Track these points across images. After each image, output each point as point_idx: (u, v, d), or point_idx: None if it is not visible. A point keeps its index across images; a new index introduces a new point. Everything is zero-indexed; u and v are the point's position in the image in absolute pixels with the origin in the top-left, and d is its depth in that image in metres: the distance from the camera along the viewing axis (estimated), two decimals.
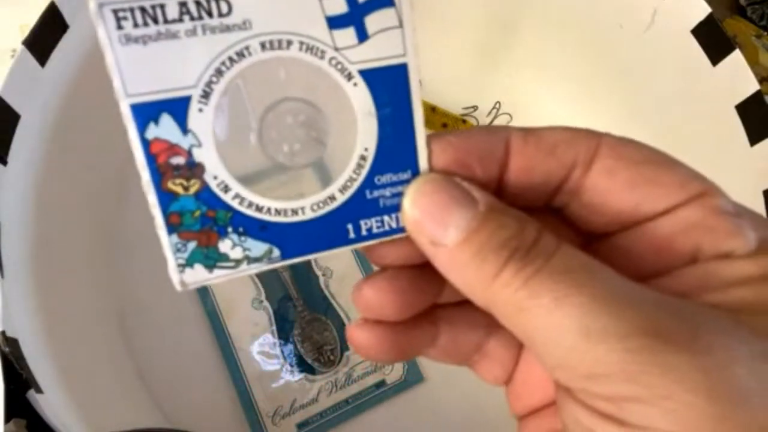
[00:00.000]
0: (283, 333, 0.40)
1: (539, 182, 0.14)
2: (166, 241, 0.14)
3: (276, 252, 0.14)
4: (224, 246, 0.13)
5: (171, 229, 0.13)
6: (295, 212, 0.13)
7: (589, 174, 0.14)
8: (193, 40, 0.12)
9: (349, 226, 0.14)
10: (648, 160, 0.14)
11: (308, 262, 0.41)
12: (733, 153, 0.35)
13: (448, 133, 0.14)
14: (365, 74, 0.13)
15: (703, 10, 0.35)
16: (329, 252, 0.14)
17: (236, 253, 0.13)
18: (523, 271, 0.12)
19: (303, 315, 0.40)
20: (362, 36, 0.13)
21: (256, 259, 0.14)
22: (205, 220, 0.13)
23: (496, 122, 0.48)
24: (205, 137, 0.13)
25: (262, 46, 0.12)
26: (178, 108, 0.12)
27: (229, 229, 0.13)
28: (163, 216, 0.13)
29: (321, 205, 0.14)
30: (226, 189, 0.13)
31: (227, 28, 0.12)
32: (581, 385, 0.12)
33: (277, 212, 0.13)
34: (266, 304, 0.40)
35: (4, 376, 0.24)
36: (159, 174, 0.13)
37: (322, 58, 0.13)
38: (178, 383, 0.38)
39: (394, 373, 0.40)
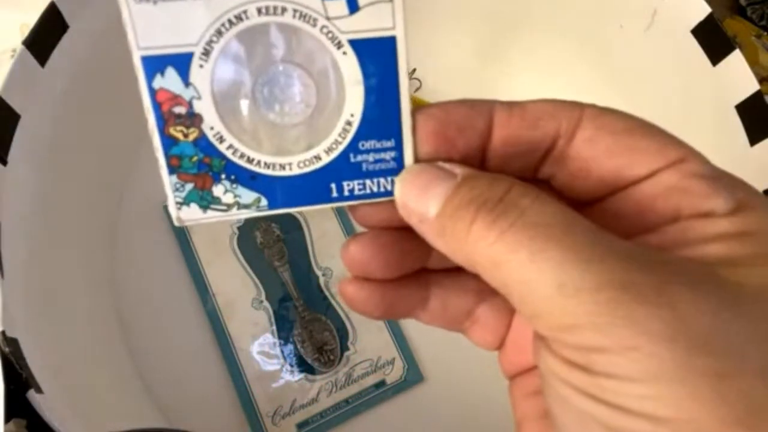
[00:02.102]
0: (283, 333, 0.40)
1: (525, 152, 0.15)
2: (167, 180, 0.15)
3: (264, 201, 0.15)
4: (217, 190, 0.15)
5: (171, 170, 0.15)
6: (282, 167, 0.15)
7: (573, 144, 0.15)
8: (197, 2, 0.13)
9: (333, 186, 0.15)
10: (628, 128, 0.15)
11: (308, 263, 0.41)
12: (733, 153, 0.35)
13: (432, 105, 0.15)
14: (354, 44, 0.14)
15: (703, 10, 0.35)
16: (313, 207, 0.15)
17: (228, 198, 0.15)
18: (496, 224, 0.13)
19: (303, 315, 0.40)
20: (353, 7, 0.13)
21: (246, 206, 0.15)
22: (201, 165, 0.15)
23: None
24: (205, 91, 0.14)
25: (259, 10, 0.13)
26: (182, 62, 0.14)
27: (223, 176, 0.15)
28: (165, 157, 0.14)
29: (307, 163, 0.15)
30: (221, 139, 0.14)
31: None
32: (554, 334, 0.13)
33: (267, 165, 0.15)
34: (266, 304, 0.40)
35: (4, 376, 0.24)
36: (163, 120, 0.14)
37: (314, 25, 0.14)
38: (178, 383, 0.38)
39: (394, 373, 0.40)
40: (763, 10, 0.53)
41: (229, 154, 0.14)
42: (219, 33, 0.14)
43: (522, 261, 0.13)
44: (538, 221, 0.13)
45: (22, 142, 0.29)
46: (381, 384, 0.40)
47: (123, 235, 0.40)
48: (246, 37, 0.14)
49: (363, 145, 0.15)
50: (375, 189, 0.15)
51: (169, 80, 0.14)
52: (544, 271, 0.12)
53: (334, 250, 0.42)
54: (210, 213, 0.15)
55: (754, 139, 0.34)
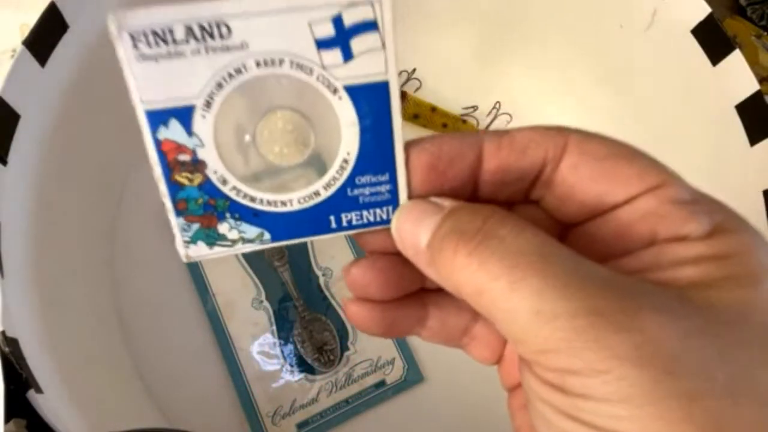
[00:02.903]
0: (283, 333, 0.40)
1: (515, 180, 0.16)
2: (174, 222, 0.16)
3: (267, 235, 0.16)
4: (223, 228, 0.16)
5: (178, 213, 0.15)
6: (284, 203, 0.16)
7: (558, 170, 0.16)
8: (197, 58, 0.14)
9: (332, 218, 0.16)
10: (610, 154, 0.15)
11: (308, 263, 0.41)
12: (733, 153, 0.35)
13: (424, 139, 0.16)
14: (349, 89, 0.15)
15: (703, 10, 0.35)
16: (314, 238, 0.16)
17: (233, 234, 0.16)
18: (476, 253, 0.14)
19: (303, 315, 0.40)
20: (347, 56, 0.14)
21: (250, 240, 0.16)
22: (206, 207, 0.15)
23: (496, 122, 0.48)
24: (207, 139, 0.15)
25: (257, 63, 0.14)
26: (185, 114, 0.15)
27: (227, 215, 0.16)
28: (172, 202, 0.15)
29: (307, 198, 0.16)
30: (225, 182, 0.15)
31: (227, 48, 0.14)
32: (534, 357, 0.14)
33: (268, 203, 0.16)
34: (266, 304, 0.40)
35: (4, 376, 0.24)
36: (168, 168, 0.15)
37: (310, 74, 0.15)
38: (178, 383, 0.38)
39: (394, 373, 0.40)
40: (763, 10, 0.53)
41: (232, 194, 0.15)
42: (219, 85, 0.14)
43: (503, 289, 0.13)
44: (516, 250, 0.13)
45: (22, 142, 0.29)
46: (381, 384, 0.40)
47: (123, 235, 0.40)
48: (246, 87, 0.14)
49: (359, 180, 0.16)
50: (372, 219, 0.16)
51: (173, 131, 0.15)
52: (524, 298, 0.13)
53: (334, 250, 0.42)
54: (216, 249, 0.16)
55: (754, 139, 0.34)
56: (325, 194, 0.16)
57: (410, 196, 0.16)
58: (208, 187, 0.15)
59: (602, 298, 0.13)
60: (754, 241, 0.14)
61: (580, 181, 0.15)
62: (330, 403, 0.39)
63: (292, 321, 0.40)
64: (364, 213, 0.16)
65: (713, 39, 0.35)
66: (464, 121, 0.47)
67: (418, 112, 0.46)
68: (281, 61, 0.14)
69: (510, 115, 0.48)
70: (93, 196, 0.38)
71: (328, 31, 0.14)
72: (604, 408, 0.12)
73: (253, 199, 0.15)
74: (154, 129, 0.15)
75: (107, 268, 0.39)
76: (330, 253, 0.42)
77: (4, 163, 0.28)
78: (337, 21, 0.14)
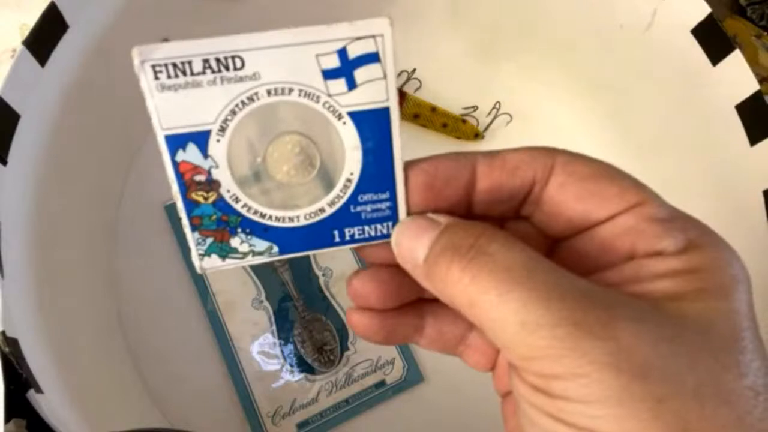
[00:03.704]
0: (283, 333, 0.40)
1: (506, 198, 0.17)
2: (190, 236, 0.17)
3: (275, 248, 0.17)
4: (234, 242, 0.17)
5: (194, 227, 0.17)
6: (291, 219, 0.17)
7: (546, 189, 0.17)
8: (213, 87, 0.15)
9: (335, 232, 0.17)
10: (594, 174, 0.16)
11: (308, 263, 0.41)
12: (733, 153, 0.35)
13: (421, 160, 0.17)
14: (353, 115, 0.16)
15: (703, 10, 0.35)
16: (319, 251, 0.18)
17: (244, 248, 0.17)
18: (468, 268, 0.15)
19: (303, 315, 0.40)
20: (351, 85, 0.16)
21: (260, 253, 0.17)
22: (220, 222, 0.17)
23: (496, 122, 0.48)
24: (221, 160, 0.16)
25: (268, 92, 0.16)
26: (201, 139, 0.16)
27: (239, 230, 0.17)
28: (188, 218, 0.17)
29: (313, 215, 0.17)
30: (237, 200, 0.17)
31: (240, 79, 0.15)
32: (520, 363, 0.15)
33: (277, 219, 0.17)
34: (266, 304, 0.40)
35: (4, 376, 0.24)
36: (185, 187, 0.16)
37: (317, 102, 0.16)
38: (178, 383, 0.38)
39: (394, 373, 0.40)
40: (763, 10, 0.53)
41: (244, 211, 0.17)
42: (233, 112, 0.16)
43: (492, 301, 0.14)
44: (505, 265, 0.15)
45: (22, 142, 0.29)
46: (381, 384, 0.40)
47: (123, 235, 0.40)
48: (257, 114, 0.16)
49: (362, 198, 0.17)
50: (373, 233, 0.18)
51: (190, 154, 0.16)
52: (510, 310, 0.14)
53: (334, 251, 0.42)
54: (228, 261, 0.17)
55: (754, 139, 0.34)
56: (329, 211, 0.17)
57: (409, 213, 0.17)
58: (221, 204, 0.17)
59: (580, 310, 0.14)
60: (724, 255, 0.15)
61: (566, 200, 0.17)
62: (330, 403, 0.39)
63: (292, 321, 0.40)
64: (366, 228, 0.17)
65: (713, 39, 0.35)
66: (464, 121, 0.47)
67: (418, 112, 0.46)
68: (290, 90, 0.16)
69: (510, 115, 0.48)
70: (93, 196, 0.38)
71: (333, 62, 0.16)
72: (583, 408, 0.13)
73: (263, 216, 0.17)
74: (172, 152, 0.16)
75: (107, 268, 0.39)
76: (330, 253, 0.42)
77: (4, 163, 0.28)
78: (342, 53, 0.16)
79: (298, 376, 0.39)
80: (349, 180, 0.17)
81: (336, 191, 0.17)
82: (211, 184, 0.16)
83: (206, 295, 0.39)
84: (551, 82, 0.48)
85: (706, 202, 0.38)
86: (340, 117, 0.16)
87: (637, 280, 0.15)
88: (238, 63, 0.15)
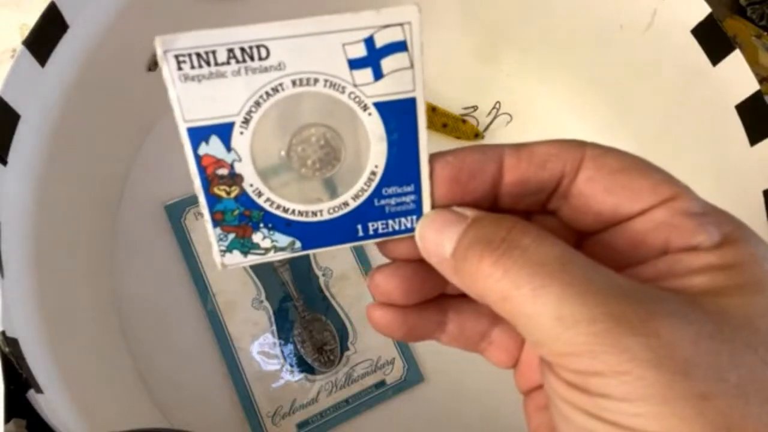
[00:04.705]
0: (283, 333, 0.40)
1: (533, 191, 0.17)
2: (211, 232, 0.16)
3: (298, 244, 0.17)
4: (256, 237, 0.17)
5: (215, 223, 0.16)
6: (314, 214, 0.17)
7: (575, 182, 0.16)
8: (237, 78, 0.15)
9: (359, 227, 0.17)
10: (625, 167, 0.16)
11: (308, 263, 0.41)
12: (733, 153, 0.35)
13: (447, 153, 0.17)
14: (378, 106, 0.16)
15: (703, 10, 0.35)
16: (342, 246, 0.17)
17: (266, 243, 0.17)
18: (500, 262, 0.15)
19: (303, 315, 0.40)
20: (378, 75, 0.15)
21: (282, 248, 0.17)
22: (242, 218, 0.16)
23: (496, 122, 0.48)
24: (245, 154, 0.16)
25: (293, 83, 0.15)
26: (224, 131, 0.15)
27: (261, 225, 0.16)
28: (209, 213, 0.16)
29: (336, 209, 0.17)
30: (260, 194, 0.16)
31: (265, 69, 0.15)
32: (556, 360, 0.14)
33: (300, 213, 0.17)
34: (266, 304, 0.40)
35: (4, 376, 0.24)
36: (207, 181, 0.16)
37: (342, 92, 0.15)
38: (178, 383, 0.38)
39: (394, 373, 0.40)
40: (763, 10, 0.53)
41: (266, 206, 0.16)
42: (257, 104, 0.15)
43: (526, 296, 0.14)
44: (538, 259, 0.14)
45: (22, 142, 0.29)
46: (381, 384, 0.40)
47: (123, 235, 0.40)
48: (282, 105, 0.15)
49: (386, 191, 0.17)
50: (397, 227, 0.17)
51: (213, 147, 0.15)
52: (546, 305, 0.14)
53: (334, 250, 0.42)
54: (250, 257, 0.17)
55: (754, 139, 0.34)
56: (353, 204, 0.17)
57: (433, 206, 0.17)
58: (244, 199, 0.16)
59: (619, 304, 0.13)
60: (759, 250, 0.15)
61: (595, 193, 0.16)
62: (330, 403, 0.39)
63: (292, 321, 0.40)
64: (390, 222, 0.17)
65: (713, 39, 0.35)
66: (464, 121, 0.47)
67: None
68: (315, 80, 0.15)
69: (510, 115, 0.48)
70: (93, 196, 0.38)
71: (360, 51, 0.15)
72: (623, 406, 0.13)
73: (285, 210, 0.16)
74: (195, 145, 0.15)
75: (107, 268, 0.39)
76: (330, 253, 0.42)
77: (4, 163, 0.28)
78: (369, 42, 0.15)
79: (298, 376, 0.39)
80: (373, 173, 0.16)
81: (360, 184, 0.16)
82: (234, 178, 0.16)
83: (206, 295, 0.39)
84: (551, 82, 0.48)
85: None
86: (365, 108, 0.16)
87: (673, 276, 0.15)
88: (263, 52, 0.15)
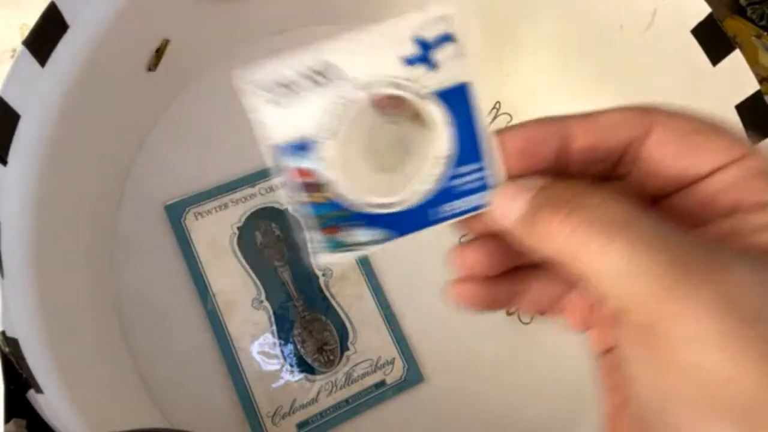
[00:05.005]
0: (283, 333, 0.40)
1: (601, 159, 0.17)
2: (308, 235, 0.18)
3: (386, 235, 0.18)
4: (346, 235, 0.18)
5: (310, 227, 0.18)
6: (393, 205, 0.18)
7: (644, 147, 0.17)
8: (312, 95, 0.17)
9: (440, 208, 0.18)
10: (694, 130, 0.16)
11: (308, 262, 0.41)
12: None
13: (513, 127, 0.18)
14: (440, 94, 0.17)
15: (703, 10, 0.35)
16: (422, 231, 0.18)
17: (355, 239, 0.18)
18: (569, 220, 0.15)
19: (303, 315, 0.40)
20: (432, 66, 0.17)
21: (373, 242, 0.18)
22: (333, 219, 0.18)
23: (496, 122, 0.48)
24: (329, 161, 0.17)
25: (361, 88, 0.17)
26: (307, 144, 0.17)
27: (352, 223, 0.18)
28: (304, 219, 0.18)
29: (415, 197, 0.18)
30: (347, 196, 0.18)
31: (333, 82, 0.17)
32: (624, 314, 0.15)
33: (381, 206, 0.18)
34: (266, 304, 0.40)
35: (4, 376, 0.24)
36: (298, 192, 0.18)
37: (405, 89, 0.17)
38: (178, 383, 0.38)
39: (394, 373, 0.40)
40: (763, 10, 0.53)
41: (353, 206, 0.18)
42: (334, 115, 0.17)
43: (594, 252, 0.15)
44: (606, 218, 0.15)
45: (22, 142, 0.29)
46: (381, 384, 0.40)
47: (123, 235, 0.40)
48: (356, 112, 0.17)
49: (458, 172, 0.18)
50: (473, 204, 0.18)
51: (300, 159, 0.17)
52: (614, 260, 0.14)
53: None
54: (346, 254, 0.18)
55: (754, 140, 0.34)
56: (430, 190, 0.18)
57: (505, 179, 0.18)
58: (333, 202, 0.18)
59: (686, 256, 0.14)
60: None
61: (665, 157, 0.17)
62: (330, 403, 0.39)
63: (292, 321, 0.40)
64: (462, 202, 0.18)
65: (713, 39, 0.35)
66: None
67: None
68: (380, 84, 0.17)
69: (510, 115, 0.48)
70: (93, 196, 0.38)
71: (413, 49, 0.17)
72: (691, 354, 0.14)
73: (369, 205, 0.18)
74: (282, 160, 0.17)
75: (107, 268, 0.39)
76: None
77: (4, 163, 0.28)
78: (419, 39, 0.17)
79: (298, 376, 0.39)
80: (444, 157, 0.18)
81: (431, 170, 0.18)
82: (322, 185, 0.18)
83: (206, 295, 0.39)
84: (551, 82, 0.48)
85: None
86: (428, 98, 0.17)
87: (740, 234, 0.16)
88: (330, 69, 0.17)
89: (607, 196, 0.15)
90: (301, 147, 0.17)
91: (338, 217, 0.18)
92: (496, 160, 0.18)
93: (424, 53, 0.17)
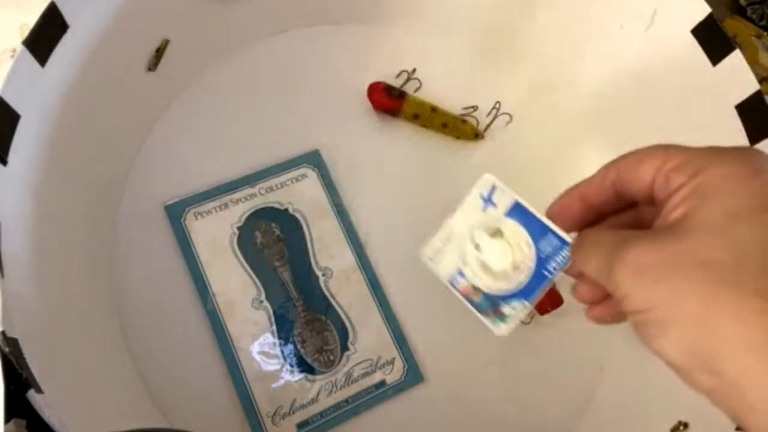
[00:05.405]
0: (283, 333, 0.40)
1: (624, 200, 0.24)
2: (482, 319, 0.29)
3: (525, 302, 0.28)
4: (504, 310, 0.28)
5: (480, 312, 0.29)
6: (519, 283, 0.28)
7: (626, 189, 0.23)
8: (449, 250, 0.30)
9: (543, 272, 0.28)
10: (641, 159, 0.23)
11: (308, 263, 0.41)
12: None
13: (551, 205, 0.27)
14: (507, 213, 0.28)
15: (703, 10, 0.35)
16: (543, 289, 0.28)
17: (509, 311, 0.28)
18: (608, 261, 0.21)
19: (303, 315, 0.40)
20: (488, 205, 0.29)
21: (520, 308, 0.28)
22: (489, 302, 0.29)
23: (496, 122, 0.48)
24: (473, 278, 0.29)
25: (480, 232, 0.29)
26: (459, 275, 0.29)
27: (501, 302, 0.28)
28: (476, 309, 0.29)
29: (527, 274, 0.28)
30: (489, 289, 0.29)
31: (456, 240, 0.30)
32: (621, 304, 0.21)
33: (514, 288, 0.28)
34: (266, 304, 0.40)
35: (4, 376, 0.24)
36: (465, 297, 0.29)
37: (494, 222, 0.29)
38: (178, 383, 0.38)
39: (394, 373, 0.40)
40: (763, 10, 0.53)
41: (495, 293, 0.28)
42: (462, 258, 0.29)
43: (600, 272, 0.22)
44: (600, 245, 0.23)
45: (22, 142, 0.29)
46: (381, 384, 0.40)
47: (123, 235, 0.40)
48: (478, 247, 0.29)
49: (541, 249, 0.28)
50: (560, 262, 0.27)
51: (462, 281, 0.29)
52: (609, 277, 0.21)
53: (333, 250, 0.42)
54: (508, 322, 0.29)
55: (754, 139, 0.34)
56: (533, 268, 0.28)
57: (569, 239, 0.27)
58: (485, 295, 0.29)
59: (649, 254, 0.20)
60: (710, 174, 0.20)
61: (641, 187, 0.23)
62: (330, 403, 0.39)
63: (292, 321, 0.40)
64: (555, 261, 0.27)
65: (713, 39, 0.35)
66: (464, 121, 0.47)
67: (418, 112, 0.46)
68: (474, 228, 0.29)
69: (510, 115, 0.48)
70: (93, 196, 0.38)
71: (482, 201, 0.29)
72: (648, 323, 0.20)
73: (507, 290, 0.28)
74: (456, 287, 0.29)
75: (107, 268, 0.39)
76: (329, 253, 0.42)
77: (4, 163, 0.28)
78: (482, 196, 0.29)
79: (298, 376, 0.39)
80: (531, 246, 0.28)
81: (530, 258, 0.28)
82: (477, 289, 0.29)
83: (206, 295, 0.39)
84: (551, 82, 0.48)
85: None
86: (504, 221, 0.29)
87: (666, 214, 0.21)
88: (452, 235, 0.30)
89: (600, 228, 0.25)
90: (459, 274, 0.29)
91: (494, 301, 0.29)
92: (557, 229, 0.27)
93: (489, 201, 0.29)
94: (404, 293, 0.42)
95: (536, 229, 0.28)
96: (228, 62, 0.45)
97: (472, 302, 0.29)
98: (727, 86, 0.35)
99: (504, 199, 0.28)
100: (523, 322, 0.43)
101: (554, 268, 0.28)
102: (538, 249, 0.28)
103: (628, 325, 0.22)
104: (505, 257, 0.28)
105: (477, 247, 0.29)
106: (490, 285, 0.29)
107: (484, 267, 0.29)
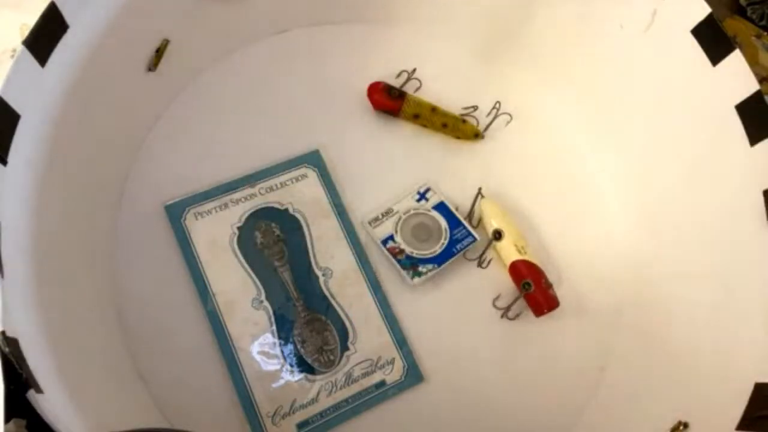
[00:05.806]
0: (283, 333, 0.40)
1: None
2: (401, 271, 0.41)
3: (433, 265, 0.43)
4: (420, 268, 0.42)
5: (402, 266, 0.41)
6: (432, 252, 0.43)
7: None
8: (387, 221, 0.44)
9: (453, 249, 0.42)
10: None
11: (308, 263, 0.41)
12: (733, 153, 0.35)
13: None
14: (434, 208, 0.44)
15: (703, 10, 0.35)
16: (452, 259, 0.43)
17: (424, 269, 0.42)
18: None
19: (303, 315, 0.40)
20: (425, 199, 0.44)
21: (432, 269, 0.42)
22: (410, 262, 0.41)
23: (496, 122, 0.48)
24: (400, 240, 0.43)
25: (405, 213, 0.45)
26: (390, 239, 0.43)
27: (419, 263, 0.42)
28: (399, 265, 0.41)
29: (441, 247, 0.43)
30: (411, 253, 0.42)
31: (395, 214, 0.45)
32: None
33: (429, 253, 0.43)
34: (266, 304, 0.40)
35: (4, 376, 0.24)
36: (392, 254, 0.43)
37: (424, 211, 0.44)
38: (178, 383, 0.38)
39: (394, 373, 0.40)
40: (763, 10, 0.53)
41: (415, 256, 0.42)
42: (399, 225, 0.44)
43: None
44: None
45: (22, 142, 0.29)
46: (381, 384, 0.40)
47: (123, 235, 0.40)
48: (408, 221, 0.44)
49: (453, 234, 0.42)
50: (465, 243, 0.40)
51: (390, 243, 0.42)
52: None
53: (333, 250, 0.42)
54: (422, 277, 0.42)
55: (754, 139, 0.34)
56: (446, 243, 0.41)
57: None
58: (408, 256, 0.40)
59: None
60: None
61: None
62: (330, 403, 0.39)
63: (292, 321, 0.40)
64: (462, 243, 0.41)
65: (713, 39, 0.35)
66: (464, 121, 0.47)
67: (418, 112, 0.46)
68: (411, 209, 0.43)
69: (510, 115, 0.48)
70: (93, 196, 0.38)
71: (419, 196, 0.43)
72: None
73: (424, 255, 0.41)
74: (385, 244, 0.41)
75: (107, 268, 0.39)
76: (329, 253, 0.42)
77: (4, 163, 0.28)
78: (419, 192, 0.43)
79: (298, 376, 0.39)
80: (446, 229, 0.43)
81: (446, 236, 0.43)
82: (402, 250, 0.39)
83: (206, 295, 0.39)
84: (551, 81, 0.48)
85: (706, 202, 0.38)
86: (431, 210, 0.42)
87: None
88: (391, 212, 0.43)
89: None
90: (390, 238, 0.40)
91: (412, 261, 0.40)
92: (467, 224, 0.41)
93: (423, 197, 0.42)
94: (404, 293, 0.42)
95: (453, 221, 0.43)
96: (228, 62, 0.45)
97: (397, 259, 0.41)
98: (727, 86, 0.35)
99: (434, 198, 0.44)
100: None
101: (459, 248, 0.43)
102: (451, 233, 0.43)
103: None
104: (425, 234, 0.43)
105: (405, 224, 0.42)
106: (413, 250, 0.42)
107: (414, 237, 0.42)
